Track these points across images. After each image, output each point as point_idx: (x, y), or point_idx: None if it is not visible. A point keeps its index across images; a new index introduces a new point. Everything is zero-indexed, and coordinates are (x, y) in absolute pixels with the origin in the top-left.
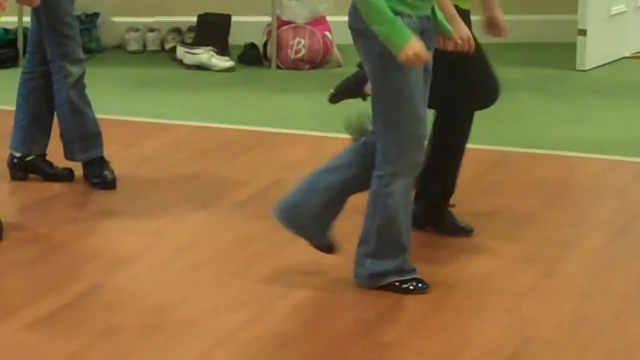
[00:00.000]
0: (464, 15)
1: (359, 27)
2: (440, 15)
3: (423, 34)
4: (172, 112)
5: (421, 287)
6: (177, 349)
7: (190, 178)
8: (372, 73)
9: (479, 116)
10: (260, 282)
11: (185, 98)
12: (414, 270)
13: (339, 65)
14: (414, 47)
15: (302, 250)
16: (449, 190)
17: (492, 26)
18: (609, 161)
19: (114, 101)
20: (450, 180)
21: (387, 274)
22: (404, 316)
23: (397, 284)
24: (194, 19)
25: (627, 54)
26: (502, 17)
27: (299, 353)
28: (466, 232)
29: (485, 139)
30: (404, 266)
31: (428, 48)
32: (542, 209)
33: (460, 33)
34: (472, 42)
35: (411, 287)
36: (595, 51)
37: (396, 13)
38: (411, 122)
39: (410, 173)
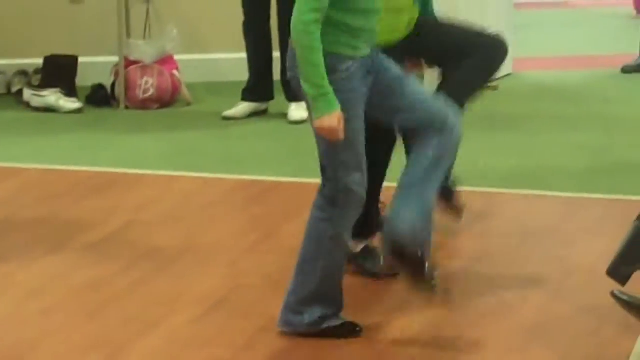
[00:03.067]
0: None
1: (292, 73)
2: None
3: (370, 73)
4: (20, 155)
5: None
6: None
7: (41, 221)
8: (310, 118)
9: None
10: (114, 323)
11: (34, 141)
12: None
13: (188, 104)
14: (334, 121)
15: (156, 291)
16: None
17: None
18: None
19: None
20: None
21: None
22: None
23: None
24: (40, 61)
25: None
26: None
27: None
28: None
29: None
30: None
31: (387, 79)
32: None
33: None
34: None
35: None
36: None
37: (336, 54)
38: (352, 165)
39: (355, 214)
